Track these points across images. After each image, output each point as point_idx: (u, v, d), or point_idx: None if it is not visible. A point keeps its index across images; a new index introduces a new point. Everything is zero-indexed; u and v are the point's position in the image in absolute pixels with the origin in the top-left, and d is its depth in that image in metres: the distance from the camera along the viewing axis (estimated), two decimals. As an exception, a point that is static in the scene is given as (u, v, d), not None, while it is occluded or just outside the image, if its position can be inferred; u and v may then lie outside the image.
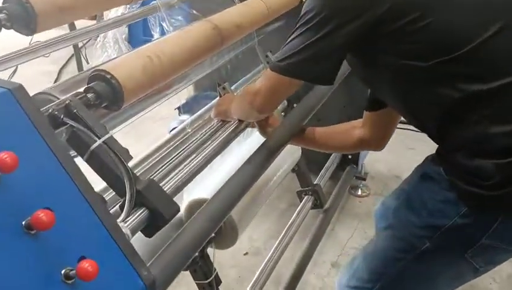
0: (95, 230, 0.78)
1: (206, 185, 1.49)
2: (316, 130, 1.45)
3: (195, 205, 1.45)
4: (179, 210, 0.99)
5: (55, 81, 4.24)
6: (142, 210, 0.95)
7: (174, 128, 2.58)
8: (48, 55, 2.13)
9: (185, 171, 1.11)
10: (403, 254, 1.12)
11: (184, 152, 1.22)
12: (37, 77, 4.31)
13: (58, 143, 0.79)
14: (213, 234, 1.48)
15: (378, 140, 1.39)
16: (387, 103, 1.23)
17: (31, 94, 0.86)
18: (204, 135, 1.31)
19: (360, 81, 1.23)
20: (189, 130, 1.44)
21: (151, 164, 1.22)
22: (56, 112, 0.94)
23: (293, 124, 1.44)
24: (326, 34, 1.02)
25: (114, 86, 1.05)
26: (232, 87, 1.73)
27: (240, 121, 1.37)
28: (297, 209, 2.08)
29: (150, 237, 1.00)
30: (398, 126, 3.34)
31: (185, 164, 1.15)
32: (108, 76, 1.05)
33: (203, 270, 1.46)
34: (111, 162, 0.96)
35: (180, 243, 1.01)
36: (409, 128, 3.26)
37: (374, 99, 1.28)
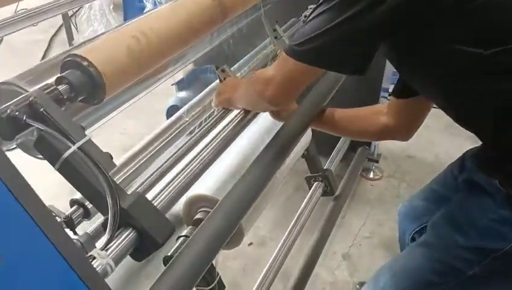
0: (53, 269, 0.59)
1: (207, 179, 1.31)
2: (336, 112, 1.26)
3: (195, 201, 1.27)
4: (173, 231, 0.81)
5: (45, 52, 4.01)
6: (128, 231, 0.78)
7: (173, 106, 2.40)
8: (35, 24, 1.93)
9: (180, 179, 0.92)
10: (442, 278, 0.95)
11: (180, 151, 1.03)
12: (27, 46, 4.07)
13: None
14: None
15: (404, 130, 1.20)
16: (428, 97, 1.03)
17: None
18: (204, 128, 1.12)
19: (395, 68, 1.02)
20: (187, 119, 1.25)
21: (138, 165, 1.01)
22: (17, 113, 0.75)
23: (314, 104, 1.24)
24: (356, 14, 0.81)
25: (92, 74, 0.85)
26: (235, 66, 1.53)
27: (246, 110, 1.17)
28: (307, 198, 1.90)
29: (139, 261, 0.83)
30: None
31: (180, 167, 0.96)
32: (85, 63, 0.85)
33: (204, 275, 1.30)
34: (89, 173, 0.78)
35: (180, 268, 0.83)
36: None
37: (405, 86, 1.08)
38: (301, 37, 0.90)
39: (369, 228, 2.09)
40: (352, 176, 2.19)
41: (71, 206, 0.95)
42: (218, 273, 1.37)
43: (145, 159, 1.06)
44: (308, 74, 0.94)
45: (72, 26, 3.89)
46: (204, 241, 0.86)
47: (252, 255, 2.00)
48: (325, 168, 2.02)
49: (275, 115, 1.24)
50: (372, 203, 2.23)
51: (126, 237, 0.77)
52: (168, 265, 0.80)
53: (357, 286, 1.81)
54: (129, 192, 0.92)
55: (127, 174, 0.95)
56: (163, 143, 1.15)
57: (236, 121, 1.12)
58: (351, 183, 2.15)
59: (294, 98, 1.02)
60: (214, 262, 1.37)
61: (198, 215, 1.37)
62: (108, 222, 0.76)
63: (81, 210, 0.93)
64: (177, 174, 0.93)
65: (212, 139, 1.05)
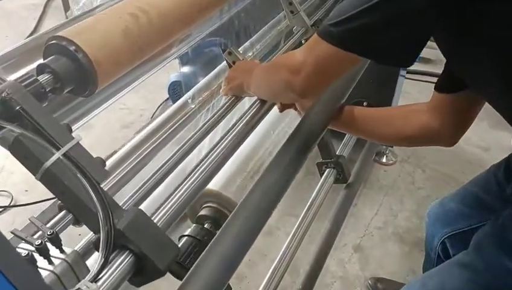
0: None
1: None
2: (357, 110, 1.10)
3: (199, 196, 1.14)
4: (178, 254, 0.68)
5: (40, 18, 3.79)
6: (125, 255, 0.65)
7: (175, 82, 2.24)
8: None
9: (187, 186, 0.78)
10: (488, 308, 0.83)
11: (185, 147, 0.88)
12: (19, 11, 3.86)
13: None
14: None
15: (450, 132, 1.01)
16: (482, 89, 0.87)
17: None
18: (213, 119, 0.97)
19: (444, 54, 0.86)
20: (193, 106, 1.10)
21: (135, 163, 0.86)
22: (-15, 112, 0.60)
23: (333, 99, 1.08)
24: None
25: (81, 62, 0.71)
26: (247, 44, 1.37)
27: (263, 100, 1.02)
28: (318, 186, 1.77)
29: (138, 287, 0.70)
30: (421, 79, 2.97)
31: (187, 171, 0.82)
32: (72, 47, 0.70)
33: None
34: (77, 185, 0.64)
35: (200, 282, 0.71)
36: (433, 81, 2.91)
37: (452, 77, 0.92)
38: (338, 15, 0.75)
39: (382, 218, 1.98)
40: (366, 161, 2.05)
41: (59, 211, 0.82)
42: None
43: (143, 155, 0.92)
44: (346, 61, 0.80)
45: (68, -10, 3.67)
46: (223, 253, 0.74)
47: (259, 246, 1.88)
48: (337, 154, 1.89)
49: (303, 108, 1.09)
50: (386, 190, 2.11)
51: (122, 262, 0.64)
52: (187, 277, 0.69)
53: (369, 282, 1.70)
54: (123, 199, 0.80)
55: (122, 174, 0.82)
56: (165, 135, 1.01)
57: (253, 111, 0.97)
58: (364, 170, 2.01)
59: (326, 88, 0.87)
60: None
61: (202, 212, 1.25)
62: (100, 245, 0.63)
63: (70, 216, 0.81)
64: (184, 180, 0.79)
65: (226, 135, 0.90)
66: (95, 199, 0.64)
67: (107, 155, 1.95)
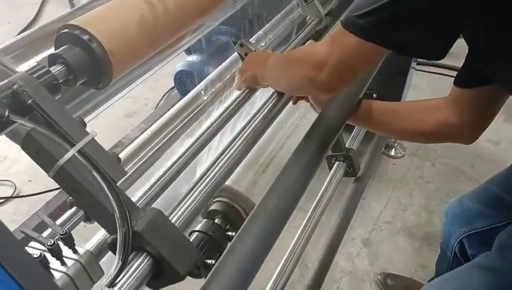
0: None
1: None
2: (374, 104, 1.06)
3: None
4: (197, 258, 0.64)
5: (42, 3, 3.72)
6: (142, 257, 0.61)
7: (181, 71, 2.19)
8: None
9: (203, 185, 0.74)
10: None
11: (198, 143, 0.85)
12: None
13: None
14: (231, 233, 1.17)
15: (469, 129, 0.95)
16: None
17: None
18: (227, 112, 0.93)
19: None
20: (206, 98, 1.06)
21: (147, 157, 0.82)
22: (-4, 106, 0.56)
23: (351, 95, 1.04)
24: None
25: (95, 52, 0.67)
26: (260, 32, 1.33)
27: (279, 92, 0.98)
28: (327, 179, 1.74)
29: (155, 290, 0.67)
30: (430, 70, 2.91)
31: (203, 168, 0.79)
32: (86, 36, 0.66)
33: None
34: (92, 183, 0.60)
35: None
36: (442, 72, 2.84)
37: (473, 71, 0.88)
38: (365, 6, 0.71)
39: (391, 212, 1.95)
40: (375, 155, 2.01)
41: (70, 208, 0.79)
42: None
43: (154, 150, 0.88)
44: (373, 55, 0.76)
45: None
46: (242, 258, 0.70)
47: (265, 237, 1.86)
48: (347, 146, 1.85)
49: (317, 101, 1.05)
50: (395, 183, 2.08)
51: (139, 265, 0.61)
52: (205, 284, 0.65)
53: (378, 277, 1.68)
54: (138, 195, 0.76)
55: (132, 170, 0.78)
56: (177, 128, 0.96)
57: (270, 105, 0.93)
58: (374, 163, 1.98)
59: (351, 83, 0.83)
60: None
61: (213, 207, 1.21)
62: (117, 248, 0.59)
63: (81, 213, 0.77)
64: (202, 177, 0.76)
65: (243, 129, 0.86)
66: (111, 198, 0.60)
67: (111, 146, 1.91)
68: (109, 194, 0.60)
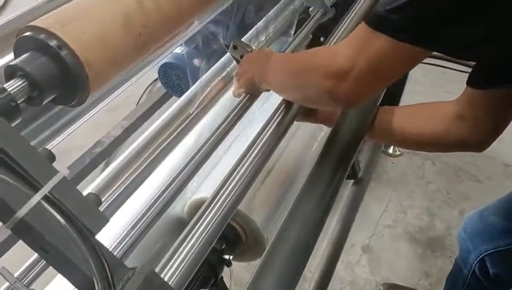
0: None
1: (214, 179, 1.01)
2: (395, 111, 0.92)
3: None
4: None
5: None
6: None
7: (166, 64, 2.02)
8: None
9: (206, 222, 0.60)
10: None
11: (193, 164, 0.71)
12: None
13: None
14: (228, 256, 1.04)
15: (483, 133, 0.83)
16: None
17: None
18: (224, 126, 0.79)
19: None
20: (192, 111, 0.92)
21: (127, 183, 0.68)
22: None
23: (368, 103, 0.90)
24: None
25: (66, 62, 0.51)
26: (260, 24, 1.18)
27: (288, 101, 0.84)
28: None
29: None
30: (428, 62, 2.82)
31: (200, 194, 0.65)
32: (54, 42, 0.51)
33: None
34: (63, 239, 0.46)
35: None
36: (442, 65, 2.74)
37: (492, 69, 0.74)
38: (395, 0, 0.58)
39: (392, 215, 1.84)
40: (375, 155, 1.90)
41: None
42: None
43: (138, 172, 0.74)
44: (410, 57, 0.63)
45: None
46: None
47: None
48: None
49: (328, 118, 0.91)
50: (394, 184, 1.97)
51: None
52: None
53: (381, 288, 1.57)
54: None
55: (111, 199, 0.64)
56: (165, 143, 0.82)
57: (280, 115, 0.79)
58: (373, 163, 1.87)
59: (377, 93, 0.70)
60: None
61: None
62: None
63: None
64: (202, 215, 0.62)
65: (250, 149, 0.72)
66: (88, 256, 0.46)
67: (91, 146, 1.74)
68: (85, 251, 0.46)
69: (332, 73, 0.64)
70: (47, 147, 0.69)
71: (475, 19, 0.57)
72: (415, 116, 0.92)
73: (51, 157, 0.49)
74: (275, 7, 1.25)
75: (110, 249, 0.57)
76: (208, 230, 0.59)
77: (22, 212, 0.44)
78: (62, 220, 0.46)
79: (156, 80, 2.30)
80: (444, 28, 0.58)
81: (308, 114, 0.93)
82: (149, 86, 2.39)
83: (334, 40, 1.08)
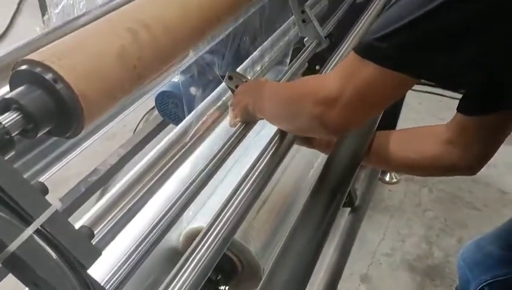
0: None
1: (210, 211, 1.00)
2: (389, 136, 0.94)
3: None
4: None
5: (13, 16, 3.52)
6: None
7: (163, 93, 2.03)
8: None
9: (201, 253, 0.60)
10: None
11: (187, 195, 0.70)
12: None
13: None
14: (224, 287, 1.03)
15: (473, 158, 0.85)
16: None
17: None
18: (219, 156, 0.79)
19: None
20: (187, 140, 0.92)
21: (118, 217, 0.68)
22: None
23: (364, 128, 0.91)
24: None
25: (61, 95, 0.52)
26: (256, 54, 1.20)
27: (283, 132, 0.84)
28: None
29: None
30: (424, 90, 2.83)
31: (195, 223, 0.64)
32: (49, 75, 0.51)
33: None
34: (55, 272, 0.45)
35: None
36: (437, 92, 2.75)
37: (484, 97, 0.76)
38: (387, 25, 0.59)
39: (389, 243, 1.83)
40: (371, 182, 1.90)
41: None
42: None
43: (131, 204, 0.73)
44: (398, 86, 0.63)
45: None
46: None
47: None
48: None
49: (323, 145, 0.92)
50: (392, 212, 1.96)
51: None
52: None
53: (381, 318, 1.55)
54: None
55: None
56: (160, 174, 0.82)
57: (273, 149, 0.80)
58: (371, 191, 1.86)
59: (366, 121, 0.71)
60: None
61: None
62: None
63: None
64: (198, 245, 0.61)
65: (244, 180, 0.72)
66: (80, 293, 0.45)
67: (87, 175, 1.73)
68: (77, 286, 0.46)
69: (321, 100, 0.65)
70: (43, 177, 0.70)
71: (462, 46, 0.58)
72: (408, 140, 0.94)
73: (44, 190, 0.49)
74: (270, 37, 1.27)
75: (103, 283, 0.57)
76: (204, 261, 0.59)
77: (13, 246, 0.44)
78: (54, 254, 0.45)
79: (153, 108, 2.31)
80: (431, 55, 0.60)
81: (305, 139, 0.94)
82: (146, 114, 2.40)
83: (330, 69, 1.10)
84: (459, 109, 0.82)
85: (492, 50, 0.61)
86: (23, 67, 0.52)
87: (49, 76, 0.51)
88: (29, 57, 0.52)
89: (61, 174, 0.79)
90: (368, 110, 0.67)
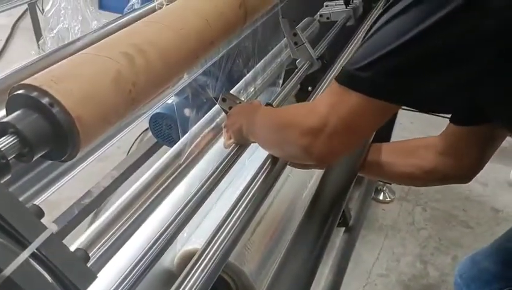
0: None
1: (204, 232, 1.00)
2: (383, 147, 0.96)
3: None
4: None
5: (7, 40, 3.54)
6: None
7: (157, 114, 2.04)
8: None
9: (196, 276, 0.60)
10: None
11: (180, 218, 0.71)
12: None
13: None
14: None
15: (465, 167, 0.90)
16: None
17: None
18: (213, 179, 0.79)
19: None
20: (181, 162, 0.92)
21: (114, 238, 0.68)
22: None
23: (361, 149, 0.92)
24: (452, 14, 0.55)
25: (58, 119, 0.52)
26: (249, 76, 1.22)
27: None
28: (317, 231, 1.61)
29: None
30: (415, 110, 2.87)
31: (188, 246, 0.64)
32: (46, 100, 0.52)
33: None
34: (50, 298, 0.45)
35: None
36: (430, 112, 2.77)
37: (474, 108, 0.78)
38: (367, 56, 0.60)
39: (384, 263, 1.82)
40: (365, 202, 1.90)
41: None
42: None
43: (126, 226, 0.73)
44: (380, 113, 0.64)
45: (38, 9, 3.42)
46: None
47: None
48: (337, 194, 1.74)
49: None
50: (386, 231, 1.96)
51: None
52: None
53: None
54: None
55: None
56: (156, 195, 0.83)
57: (267, 170, 0.80)
58: (364, 210, 1.87)
59: (353, 149, 0.71)
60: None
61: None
62: None
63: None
64: (194, 267, 0.61)
65: (241, 200, 0.73)
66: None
67: (80, 197, 1.72)
68: (73, 312, 0.45)
69: (307, 130, 0.65)
70: (37, 200, 0.70)
71: (442, 70, 0.60)
72: (403, 153, 0.98)
73: (39, 213, 0.49)
74: (263, 59, 1.29)
75: (97, 307, 0.56)
76: (199, 283, 0.59)
77: (8, 270, 0.44)
78: (49, 278, 0.45)
79: (147, 129, 2.31)
80: (412, 82, 0.61)
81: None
82: (139, 135, 2.40)
83: (322, 90, 1.11)
84: (452, 120, 0.87)
85: (481, 74, 0.62)
86: (20, 91, 0.52)
87: (45, 100, 0.52)
88: (26, 81, 0.52)
89: (54, 196, 0.79)
90: (353, 138, 0.67)
